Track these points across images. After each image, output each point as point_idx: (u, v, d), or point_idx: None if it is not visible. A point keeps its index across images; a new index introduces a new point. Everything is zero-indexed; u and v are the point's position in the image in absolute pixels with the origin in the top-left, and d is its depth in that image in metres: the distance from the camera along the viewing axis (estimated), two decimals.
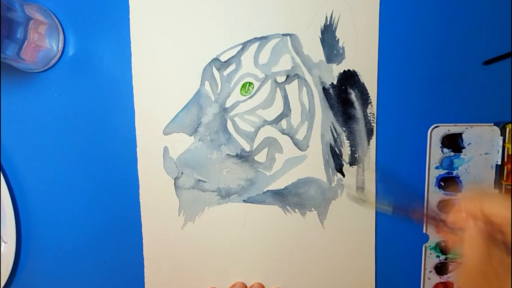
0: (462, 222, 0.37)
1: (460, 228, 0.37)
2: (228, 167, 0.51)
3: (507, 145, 0.48)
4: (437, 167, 0.50)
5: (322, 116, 0.49)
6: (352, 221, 0.51)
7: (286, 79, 0.49)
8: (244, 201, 0.51)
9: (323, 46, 0.48)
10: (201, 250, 0.52)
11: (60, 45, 0.49)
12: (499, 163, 0.48)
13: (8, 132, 0.52)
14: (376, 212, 0.51)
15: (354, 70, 0.48)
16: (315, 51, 0.48)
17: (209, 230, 0.52)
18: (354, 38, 0.48)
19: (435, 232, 0.50)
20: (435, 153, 0.49)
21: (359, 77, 0.48)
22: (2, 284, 0.53)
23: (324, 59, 0.48)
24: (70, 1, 0.49)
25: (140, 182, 0.51)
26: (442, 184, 0.50)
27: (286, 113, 0.49)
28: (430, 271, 0.52)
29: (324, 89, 0.49)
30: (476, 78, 0.48)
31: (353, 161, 0.50)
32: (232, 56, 0.49)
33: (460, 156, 0.49)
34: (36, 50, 0.47)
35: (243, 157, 0.50)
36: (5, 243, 0.52)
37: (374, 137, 0.49)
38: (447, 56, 0.48)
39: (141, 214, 0.52)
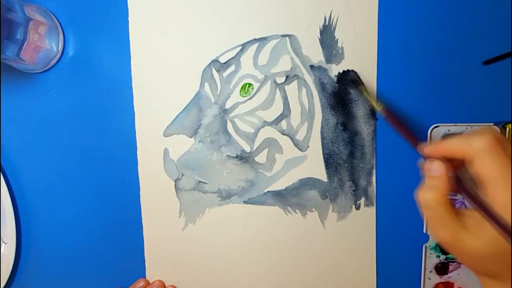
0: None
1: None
2: (228, 168, 0.51)
3: None
4: None
5: (322, 117, 0.49)
6: (352, 221, 0.51)
7: (285, 79, 0.49)
8: (244, 202, 0.51)
9: (322, 47, 0.48)
10: (202, 252, 0.52)
11: (60, 46, 0.49)
12: None
13: (8, 133, 0.52)
14: (377, 213, 0.51)
15: (353, 70, 0.48)
16: (314, 52, 0.48)
17: (210, 232, 0.52)
18: (353, 38, 0.48)
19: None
20: None
21: (359, 77, 0.48)
22: (2, 284, 0.53)
23: (323, 59, 0.48)
24: (70, 1, 0.49)
25: (140, 184, 0.51)
26: None
27: (286, 113, 0.49)
28: (430, 271, 0.52)
29: (323, 89, 0.49)
30: (476, 78, 0.48)
31: (352, 161, 0.50)
32: (232, 58, 0.49)
33: None
34: (36, 50, 0.47)
35: (243, 158, 0.50)
36: (5, 243, 0.52)
37: (374, 137, 0.49)
38: (447, 56, 0.48)
39: (142, 215, 0.52)
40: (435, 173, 0.36)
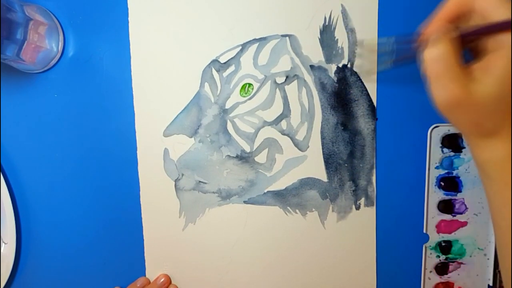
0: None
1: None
2: (228, 168, 0.51)
3: None
4: (437, 167, 0.50)
5: (322, 117, 0.49)
6: (352, 221, 0.51)
7: (285, 79, 0.49)
8: (244, 202, 0.51)
9: (322, 47, 0.48)
10: (202, 252, 0.52)
11: (60, 46, 0.49)
12: None
13: (8, 133, 0.52)
14: (377, 213, 0.51)
15: (353, 70, 0.48)
16: (314, 52, 0.48)
17: (210, 232, 0.52)
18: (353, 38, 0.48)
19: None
20: (435, 153, 0.50)
21: (358, 77, 0.48)
22: (2, 285, 0.53)
23: (323, 59, 0.48)
24: (70, 1, 0.49)
25: (140, 184, 0.51)
26: (442, 184, 0.50)
27: (286, 113, 0.49)
28: (431, 271, 0.52)
29: (323, 89, 0.49)
30: None
31: (353, 161, 0.50)
32: (232, 58, 0.49)
33: (460, 156, 0.50)
34: (36, 50, 0.47)
35: (243, 158, 0.50)
36: (5, 243, 0.52)
37: (374, 137, 0.49)
38: None
39: (142, 216, 0.52)
40: (436, 27, 0.35)
